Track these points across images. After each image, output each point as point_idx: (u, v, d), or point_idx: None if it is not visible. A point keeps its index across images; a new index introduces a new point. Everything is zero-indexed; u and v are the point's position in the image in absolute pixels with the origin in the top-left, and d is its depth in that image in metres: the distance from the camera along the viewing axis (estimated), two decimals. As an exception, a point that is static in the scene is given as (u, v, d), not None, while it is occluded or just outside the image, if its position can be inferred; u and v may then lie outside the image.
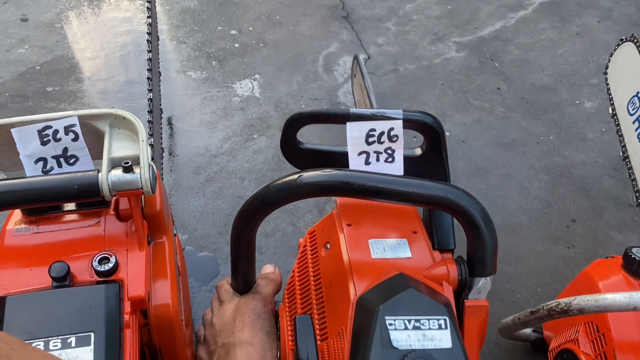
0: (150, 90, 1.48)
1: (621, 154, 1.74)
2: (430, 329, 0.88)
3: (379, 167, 1.16)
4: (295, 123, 1.21)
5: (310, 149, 1.27)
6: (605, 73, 1.89)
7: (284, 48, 2.21)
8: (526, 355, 1.41)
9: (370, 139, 1.13)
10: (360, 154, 1.14)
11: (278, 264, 1.53)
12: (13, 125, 1.04)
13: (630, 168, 1.69)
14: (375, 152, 1.14)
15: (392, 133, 1.12)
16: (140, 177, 1.02)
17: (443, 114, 2.02)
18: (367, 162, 1.15)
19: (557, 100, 2.12)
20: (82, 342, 0.95)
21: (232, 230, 1.18)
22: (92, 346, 0.95)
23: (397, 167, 1.16)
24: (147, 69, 1.50)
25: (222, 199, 1.67)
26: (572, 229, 1.69)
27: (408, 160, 1.18)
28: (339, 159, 1.19)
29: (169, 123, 1.89)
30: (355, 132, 1.12)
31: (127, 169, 1.02)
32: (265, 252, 1.57)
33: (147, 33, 1.59)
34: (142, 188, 1.02)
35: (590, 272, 1.22)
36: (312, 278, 1.13)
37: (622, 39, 1.79)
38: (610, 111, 1.82)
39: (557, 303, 1.10)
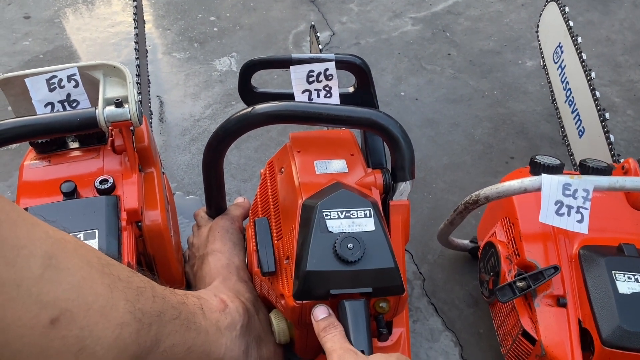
0: (137, 58, 1.75)
1: (550, 98, 2.01)
2: (358, 217, 1.16)
3: (320, 101, 1.42)
4: (248, 70, 1.49)
5: (263, 92, 1.54)
6: (537, 31, 2.16)
7: (258, 30, 2.49)
8: (467, 262, 1.66)
9: (310, 79, 1.40)
10: (303, 92, 1.41)
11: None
12: (27, 76, 1.31)
13: (557, 108, 1.97)
14: (315, 89, 1.41)
15: (328, 73, 1.39)
16: (129, 111, 1.28)
17: (399, 77, 2.29)
18: (310, 99, 1.42)
19: (501, 61, 2.38)
20: (89, 237, 1.21)
21: (203, 161, 1.45)
22: (97, 240, 1.21)
23: (334, 101, 1.43)
24: (135, 42, 1.77)
25: (206, 154, 1.93)
26: (510, 164, 1.95)
27: (344, 96, 1.46)
28: (287, 98, 1.45)
29: (159, 97, 2.16)
30: (297, 74, 1.39)
31: (118, 105, 1.28)
32: (244, 193, 1.83)
33: (134, 20, 1.86)
34: (130, 119, 1.28)
35: (506, 179, 1.47)
36: (270, 196, 1.39)
37: (547, 0, 2.06)
38: (541, 63, 2.09)
39: (470, 196, 1.36)
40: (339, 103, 1.41)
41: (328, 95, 1.41)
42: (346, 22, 2.55)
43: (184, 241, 1.65)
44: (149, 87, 1.97)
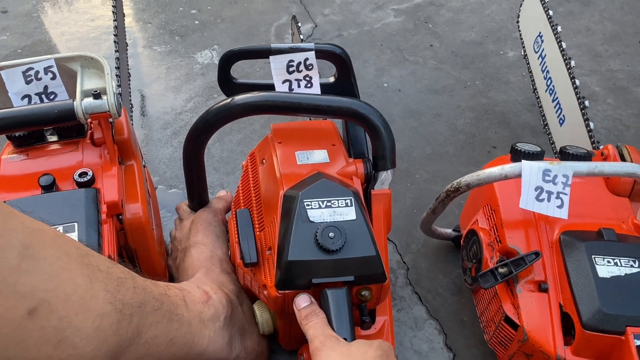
0: (117, 51, 1.73)
1: (531, 87, 2.03)
2: (339, 207, 1.15)
3: (300, 91, 1.42)
4: (227, 61, 1.48)
5: (243, 83, 1.53)
6: (518, 22, 2.17)
7: (240, 22, 2.47)
8: (450, 251, 1.67)
9: (291, 69, 1.39)
10: (284, 82, 1.40)
11: (239, 197, 1.78)
12: (2, 68, 1.29)
13: (538, 98, 1.98)
14: (296, 79, 1.40)
15: (308, 62, 1.38)
16: (107, 102, 1.27)
17: (382, 68, 2.29)
18: (290, 89, 1.41)
19: (483, 52, 2.39)
20: (68, 230, 1.20)
21: (183, 152, 1.44)
22: (76, 232, 1.20)
23: (315, 91, 1.42)
24: (114, 34, 1.75)
25: (188, 147, 1.92)
26: (492, 154, 1.96)
27: (324, 86, 1.45)
28: (267, 89, 1.44)
29: (139, 91, 2.14)
30: (277, 64, 1.38)
31: (97, 96, 1.27)
32: (227, 186, 1.82)
33: (113, 7, 1.84)
34: (109, 110, 1.27)
35: (487, 167, 1.48)
36: (252, 188, 1.39)
37: (527, -10, 2.07)
38: (522, 53, 2.10)
39: (451, 184, 1.37)
40: (319, 93, 1.41)
41: (309, 85, 1.40)
42: (328, 14, 2.54)
43: (167, 234, 1.64)
44: (130, 80, 1.95)
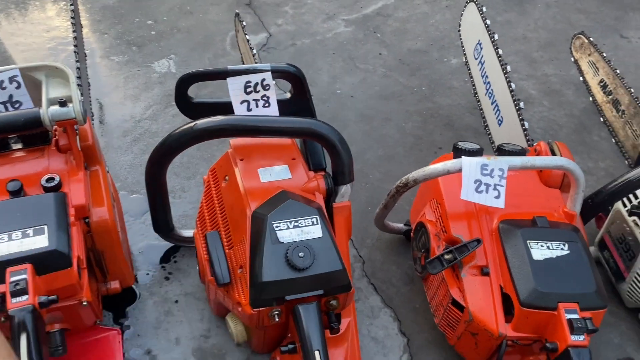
0: (77, 61, 1.77)
1: (472, 91, 2.17)
2: (306, 226, 1.25)
3: (259, 111, 1.49)
4: (184, 83, 1.53)
5: (200, 102, 1.59)
6: (459, 30, 2.32)
7: (195, 32, 2.54)
8: (401, 244, 1.78)
9: (248, 89, 1.46)
10: (242, 102, 1.47)
11: (197, 200, 1.86)
12: (-34, 78, 1.31)
13: (479, 101, 2.13)
14: (254, 99, 1.47)
15: (265, 83, 1.46)
16: (74, 109, 1.32)
17: (335, 76, 2.40)
18: (248, 109, 1.48)
19: (428, 59, 2.54)
20: (38, 232, 1.24)
21: (146, 175, 1.50)
22: (46, 234, 1.24)
23: (273, 110, 1.49)
24: (74, 45, 1.80)
25: (148, 153, 1.93)
26: (438, 154, 2.09)
27: (281, 103, 1.52)
28: (225, 109, 1.50)
29: (97, 100, 2.17)
30: (234, 85, 1.45)
31: (62, 104, 1.32)
32: (187, 190, 1.89)
33: (72, 18, 1.88)
34: (75, 117, 1.32)
35: (432, 164, 1.60)
36: (216, 205, 1.45)
37: (467, 1, 2.23)
38: (464, 59, 2.24)
39: (400, 180, 1.48)
40: (277, 112, 1.48)
41: (266, 104, 1.47)
42: (282, 24, 2.64)
43: (131, 238, 1.69)
44: (90, 89, 1.99)
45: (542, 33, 2.75)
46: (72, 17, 1.92)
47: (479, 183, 1.35)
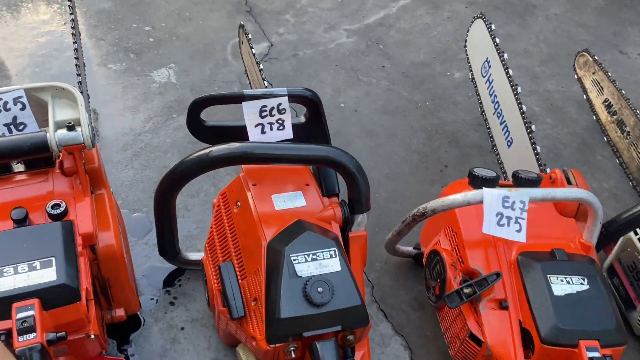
0: (78, 75, 1.71)
1: (479, 109, 2.15)
2: (324, 258, 1.21)
3: (273, 134, 1.45)
4: (197, 106, 1.48)
5: (213, 125, 1.54)
6: (465, 46, 2.30)
7: (195, 40, 2.48)
8: (411, 268, 1.75)
9: (263, 113, 1.42)
10: (257, 125, 1.43)
11: (202, 220, 1.81)
12: (-31, 98, 1.25)
13: (486, 119, 2.11)
14: (268, 123, 1.43)
15: (281, 107, 1.42)
16: (82, 134, 1.26)
17: (338, 89, 2.36)
18: (263, 132, 1.44)
19: (431, 73, 2.51)
20: (45, 265, 1.18)
21: (155, 200, 1.44)
22: (54, 267, 1.19)
23: (287, 133, 1.46)
24: (75, 57, 1.73)
25: (149, 169, 1.92)
26: (445, 172, 2.07)
27: (295, 126, 1.48)
28: (238, 132, 1.46)
29: (94, 110, 2.10)
30: (250, 109, 1.40)
31: (70, 128, 1.26)
32: (191, 209, 1.84)
33: (72, 27, 1.81)
34: (84, 142, 1.27)
35: (446, 191, 1.57)
36: (228, 232, 1.40)
37: (474, 17, 2.20)
38: (470, 76, 2.22)
39: (417, 209, 1.45)
40: (291, 136, 1.44)
41: (281, 127, 1.43)
42: (283, 34, 2.59)
43: (134, 260, 1.64)
44: (89, 100, 1.92)
45: (544, 47, 2.75)
46: (71, 20, 1.84)
47: (501, 216, 1.33)
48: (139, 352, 1.48)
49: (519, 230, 1.33)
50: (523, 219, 1.34)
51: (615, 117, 2.19)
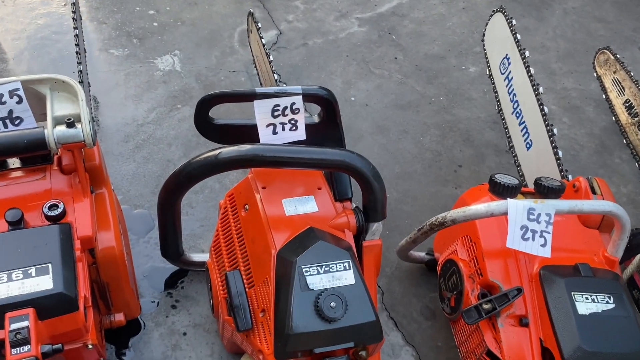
0: (79, 63, 1.62)
1: (497, 108, 2.06)
2: (337, 271, 1.13)
3: (285, 135, 1.36)
4: (206, 103, 1.39)
5: (222, 124, 1.45)
6: (483, 40, 2.20)
7: (201, 25, 2.38)
8: (422, 275, 1.69)
9: (276, 113, 1.33)
10: (268, 125, 1.34)
11: (206, 217, 1.73)
12: (-38, 90, 1.16)
13: (504, 119, 2.02)
14: (281, 123, 1.34)
15: (294, 107, 1.32)
16: (82, 131, 1.18)
17: (349, 81, 2.27)
18: (274, 132, 1.35)
19: (446, 66, 2.42)
20: (41, 272, 1.11)
21: (159, 202, 1.36)
22: (50, 274, 1.11)
23: (300, 134, 1.37)
24: (75, 44, 1.64)
25: (152, 163, 1.83)
26: (459, 173, 1.99)
27: (308, 127, 1.39)
28: (248, 131, 1.37)
29: (94, 98, 2.02)
30: (262, 108, 1.31)
31: (70, 125, 1.18)
32: (195, 206, 1.76)
33: (72, 10, 1.71)
34: (84, 140, 1.18)
35: (465, 197, 1.50)
36: (235, 236, 1.32)
37: (494, 10, 2.10)
38: (488, 72, 2.13)
39: (436, 218, 1.37)
40: (304, 137, 1.36)
41: (294, 128, 1.34)
42: (292, 21, 2.49)
43: (134, 260, 1.56)
44: (90, 88, 1.83)
45: (561, 42, 2.65)
46: (72, 10, 1.75)
47: (525, 229, 1.25)
48: (138, 358, 1.42)
49: (543, 245, 1.26)
50: (548, 232, 1.27)
51: (636, 119, 2.10)
